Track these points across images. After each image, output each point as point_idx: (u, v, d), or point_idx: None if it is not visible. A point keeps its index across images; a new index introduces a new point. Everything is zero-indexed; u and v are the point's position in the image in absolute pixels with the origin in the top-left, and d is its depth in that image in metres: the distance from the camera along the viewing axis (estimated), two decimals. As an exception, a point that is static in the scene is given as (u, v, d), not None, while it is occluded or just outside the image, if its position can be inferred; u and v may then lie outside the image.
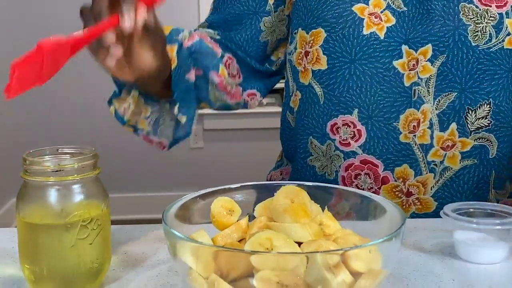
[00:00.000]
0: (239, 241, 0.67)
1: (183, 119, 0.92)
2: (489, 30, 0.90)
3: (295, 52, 0.99)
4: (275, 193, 0.71)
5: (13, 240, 0.79)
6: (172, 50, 0.90)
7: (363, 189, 0.94)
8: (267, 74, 1.09)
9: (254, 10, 1.04)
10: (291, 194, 0.70)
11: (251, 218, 0.70)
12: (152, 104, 0.95)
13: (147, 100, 0.94)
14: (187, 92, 0.93)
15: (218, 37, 1.04)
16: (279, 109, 3.68)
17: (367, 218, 0.71)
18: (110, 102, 0.94)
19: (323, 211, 0.71)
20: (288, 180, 1.04)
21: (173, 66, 0.89)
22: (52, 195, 0.65)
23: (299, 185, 0.72)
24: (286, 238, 0.60)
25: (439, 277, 0.71)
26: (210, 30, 1.06)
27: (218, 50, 1.00)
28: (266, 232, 0.61)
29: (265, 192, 0.73)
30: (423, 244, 0.81)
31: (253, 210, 0.72)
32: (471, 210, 0.79)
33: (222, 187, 0.74)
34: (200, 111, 1.01)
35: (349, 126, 0.94)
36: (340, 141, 0.95)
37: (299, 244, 0.61)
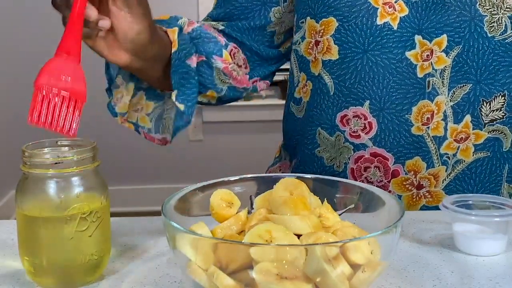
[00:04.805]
0: (238, 233, 0.67)
1: (182, 106, 0.89)
2: (505, 21, 0.89)
3: (302, 42, 0.97)
4: (274, 186, 0.71)
5: (13, 232, 0.79)
6: (173, 33, 0.88)
7: (372, 182, 0.94)
8: (275, 60, 1.07)
9: (263, 1, 1.02)
10: (290, 186, 0.70)
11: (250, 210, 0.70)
12: (156, 99, 0.93)
13: (150, 95, 0.93)
14: (187, 78, 0.91)
15: (222, 27, 1.03)
16: (279, 102, 3.65)
17: (366, 210, 0.71)
18: (109, 91, 0.93)
19: (322, 203, 0.71)
20: (293, 171, 1.04)
21: (173, 50, 0.87)
22: (52, 187, 0.65)
23: (298, 178, 0.72)
24: (285, 230, 0.60)
25: (438, 269, 0.71)
26: (213, 22, 1.04)
27: (222, 39, 0.98)
28: (265, 224, 0.61)
29: (265, 184, 0.73)
30: (422, 236, 0.81)
31: (252, 202, 0.72)
32: (470, 202, 0.79)
33: (222, 179, 0.74)
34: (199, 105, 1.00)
35: (360, 118, 0.93)
36: (350, 133, 0.94)
37: (298, 236, 0.61)
